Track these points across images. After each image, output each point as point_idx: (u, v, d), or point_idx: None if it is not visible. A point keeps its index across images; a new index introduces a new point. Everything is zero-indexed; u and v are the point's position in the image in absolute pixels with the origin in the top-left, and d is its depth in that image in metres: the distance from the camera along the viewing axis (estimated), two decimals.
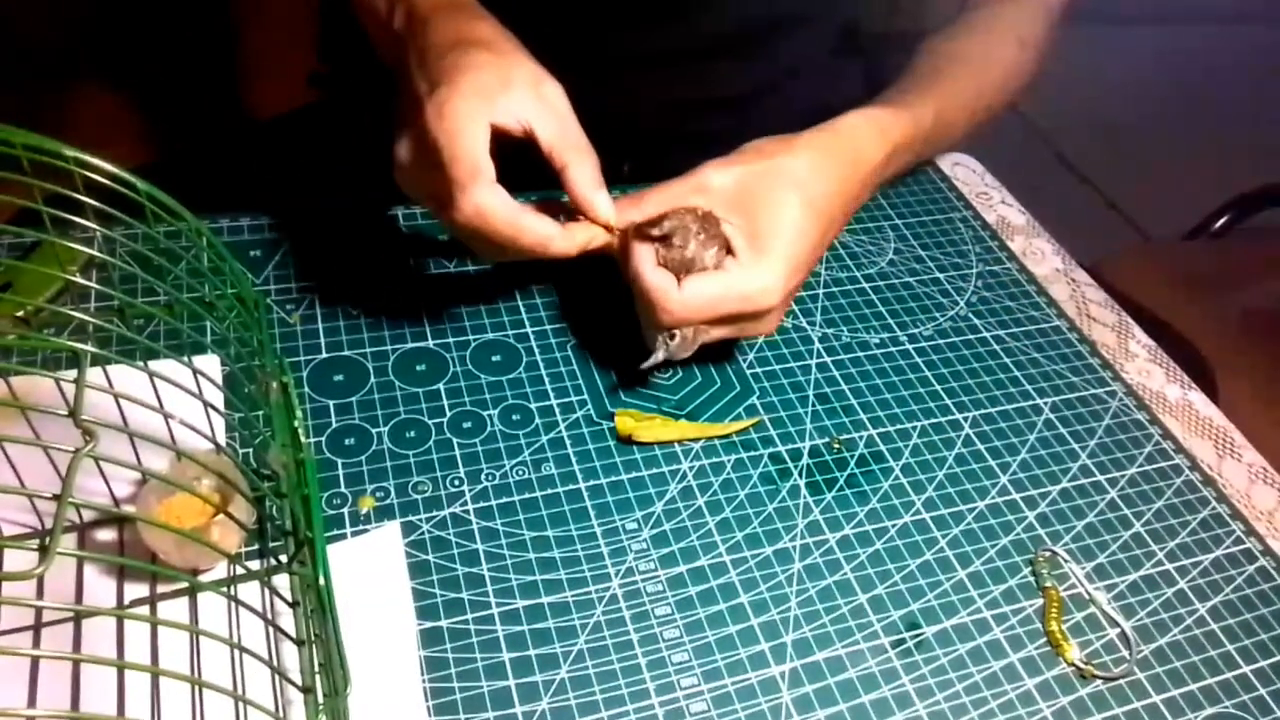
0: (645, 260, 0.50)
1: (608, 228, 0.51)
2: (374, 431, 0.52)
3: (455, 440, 0.52)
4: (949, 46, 0.68)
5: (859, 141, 0.56)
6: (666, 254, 0.50)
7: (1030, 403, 0.60)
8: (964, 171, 0.79)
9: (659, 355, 0.51)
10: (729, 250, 0.51)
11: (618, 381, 0.57)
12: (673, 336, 0.51)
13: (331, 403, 0.53)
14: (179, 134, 1.30)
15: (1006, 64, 0.67)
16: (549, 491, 0.50)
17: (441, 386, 0.55)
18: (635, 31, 0.77)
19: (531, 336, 0.59)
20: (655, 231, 0.50)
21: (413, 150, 0.49)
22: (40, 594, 0.41)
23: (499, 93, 0.48)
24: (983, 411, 0.59)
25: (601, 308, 0.60)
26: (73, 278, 0.34)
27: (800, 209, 0.51)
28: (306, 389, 0.53)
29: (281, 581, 0.43)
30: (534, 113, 0.49)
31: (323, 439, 0.51)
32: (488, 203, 0.47)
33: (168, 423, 0.37)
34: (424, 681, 0.42)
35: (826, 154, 0.54)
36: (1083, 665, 0.47)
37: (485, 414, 0.54)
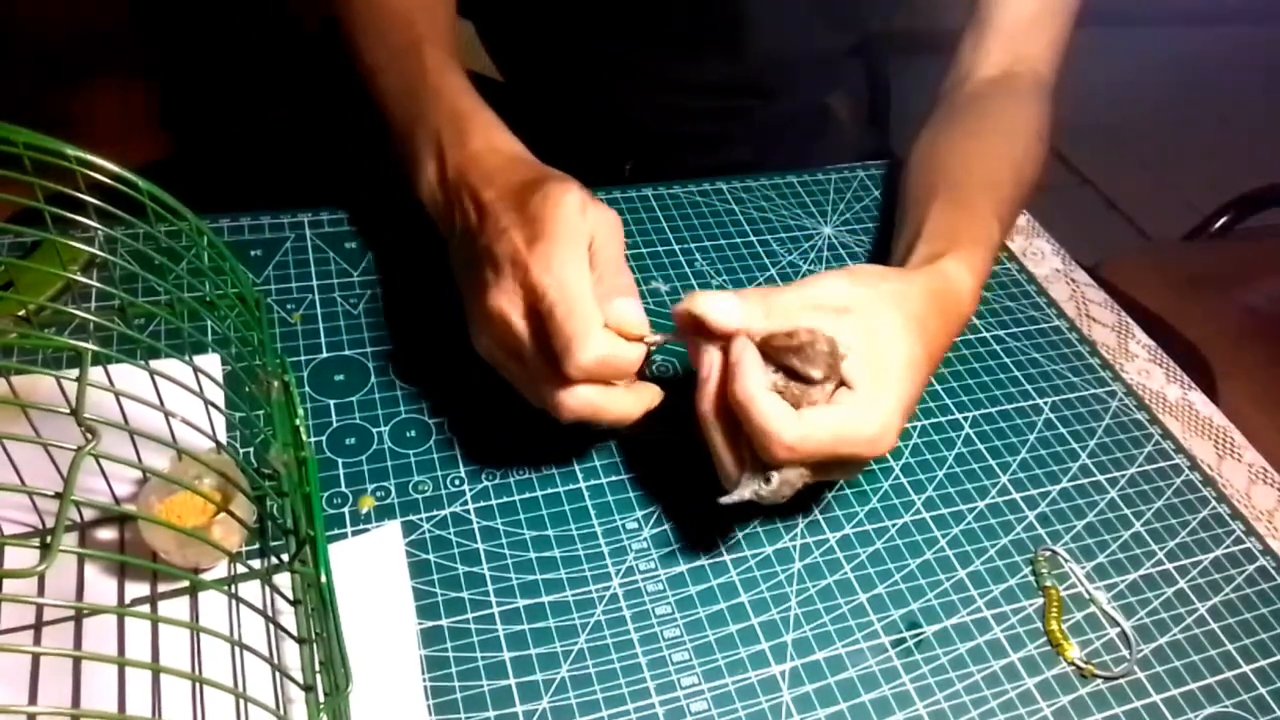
0: (757, 380, 0.42)
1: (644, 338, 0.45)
2: (375, 431, 0.52)
3: (456, 440, 0.52)
4: (978, 149, 0.65)
5: (961, 287, 0.51)
6: (786, 380, 0.42)
7: (1030, 403, 0.60)
8: None
9: (744, 493, 0.43)
10: (840, 384, 0.44)
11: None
12: (769, 479, 0.42)
13: (332, 402, 0.53)
14: (181, 134, 1.31)
15: (1033, 161, 0.66)
16: (549, 491, 0.50)
17: (442, 386, 0.55)
18: (641, 48, 0.77)
19: None
20: (793, 342, 0.42)
21: (512, 314, 0.45)
22: (41, 593, 0.41)
23: (582, 228, 0.45)
24: (983, 411, 0.59)
25: None
26: (74, 277, 0.34)
27: (919, 347, 0.46)
28: (307, 388, 0.53)
29: (282, 580, 0.43)
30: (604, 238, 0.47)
31: (323, 438, 0.51)
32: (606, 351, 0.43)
33: (169, 422, 0.37)
34: (425, 680, 0.42)
35: (938, 293, 0.49)
36: (1083, 664, 0.47)
37: (486, 414, 0.54)
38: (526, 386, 0.47)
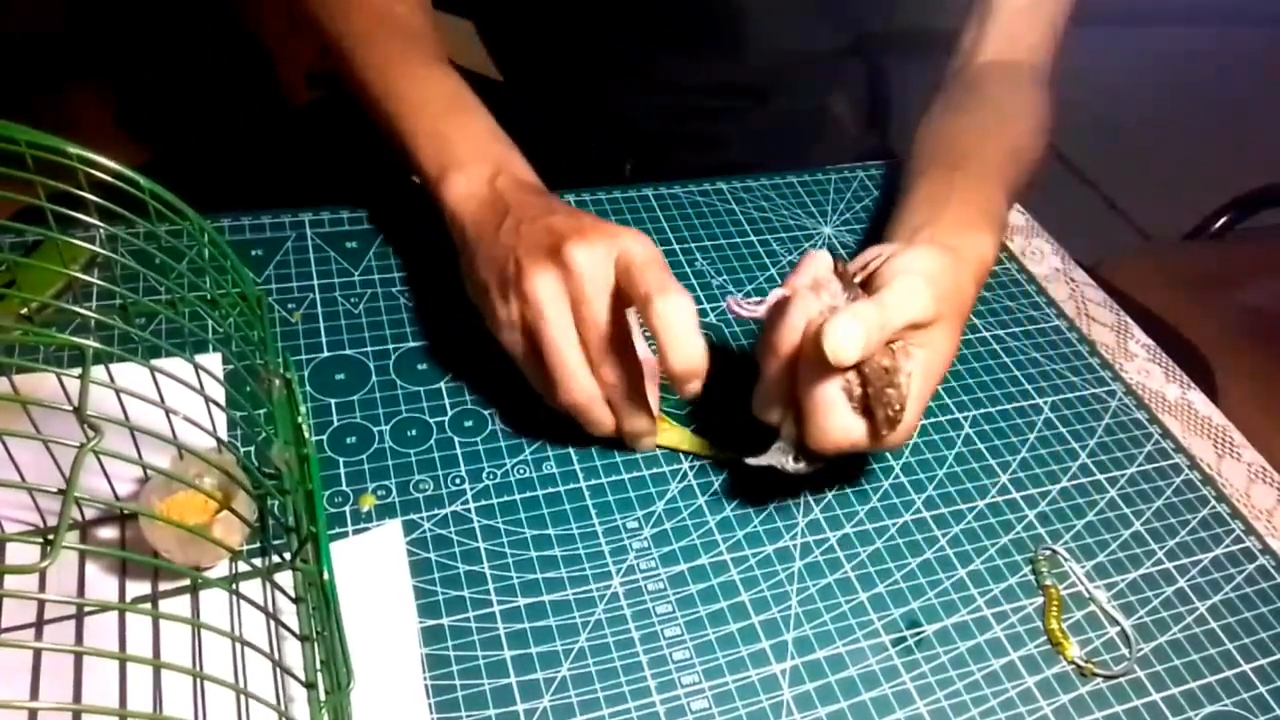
0: (837, 387, 0.44)
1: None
2: (375, 430, 0.52)
3: (457, 439, 0.52)
4: (976, 127, 0.66)
5: (988, 258, 0.53)
6: (856, 390, 0.44)
7: (1030, 402, 0.60)
8: None
9: (769, 460, 0.47)
10: None
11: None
12: (797, 459, 0.47)
13: (333, 401, 0.53)
14: (183, 133, 1.31)
15: (1031, 147, 0.67)
16: (550, 490, 0.51)
17: (443, 385, 0.55)
18: (641, 47, 0.77)
19: None
20: (879, 379, 0.43)
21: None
22: (43, 590, 0.41)
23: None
24: (983, 411, 0.59)
25: None
26: (76, 275, 0.34)
27: (958, 340, 0.48)
28: (308, 388, 0.53)
29: (284, 578, 0.43)
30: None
31: (324, 437, 0.51)
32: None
33: (170, 420, 0.37)
34: (426, 678, 0.42)
35: (979, 278, 0.52)
36: (1083, 663, 0.47)
37: (487, 413, 0.54)
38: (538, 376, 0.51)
